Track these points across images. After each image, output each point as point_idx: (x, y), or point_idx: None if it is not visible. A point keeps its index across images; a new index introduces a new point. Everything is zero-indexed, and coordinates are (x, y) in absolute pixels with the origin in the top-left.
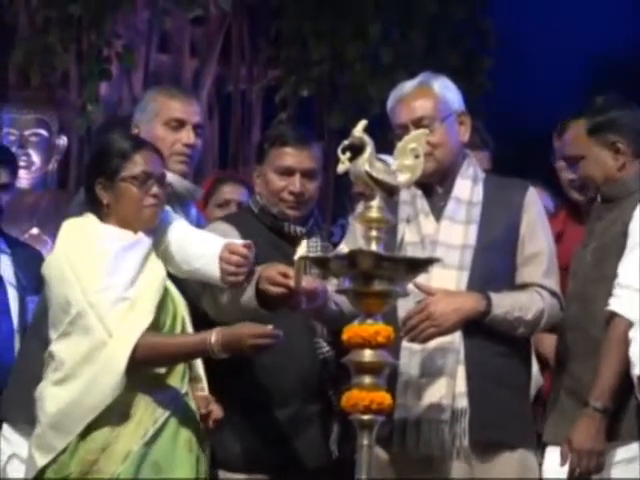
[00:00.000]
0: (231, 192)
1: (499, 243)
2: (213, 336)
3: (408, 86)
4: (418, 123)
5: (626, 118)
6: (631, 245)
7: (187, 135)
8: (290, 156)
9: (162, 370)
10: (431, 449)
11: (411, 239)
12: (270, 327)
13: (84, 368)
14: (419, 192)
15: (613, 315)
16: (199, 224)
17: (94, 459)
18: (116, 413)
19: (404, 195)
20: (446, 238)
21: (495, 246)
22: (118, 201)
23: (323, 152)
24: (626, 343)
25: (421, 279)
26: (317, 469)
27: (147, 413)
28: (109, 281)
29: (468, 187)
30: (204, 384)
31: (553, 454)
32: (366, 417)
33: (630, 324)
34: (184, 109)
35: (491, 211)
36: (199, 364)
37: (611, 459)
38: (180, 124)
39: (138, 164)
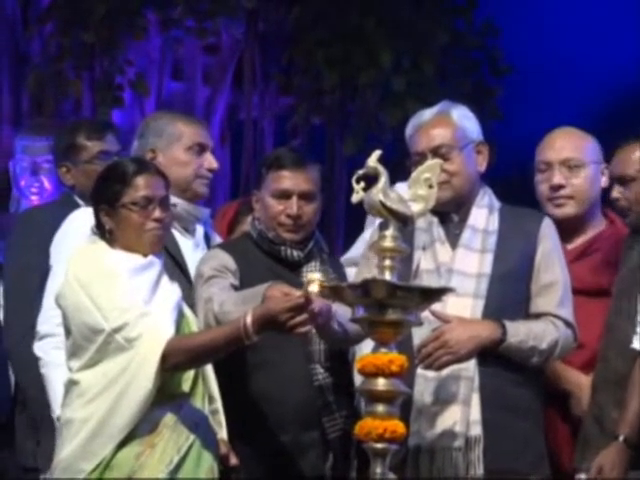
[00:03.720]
0: None
1: (514, 272)
2: (248, 318)
3: (427, 114)
4: (436, 151)
5: None
6: None
7: (210, 160)
8: (286, 179)
9: (186, 389)
10: (444, 477)
11: (427, 267)
12: (298, 294)
13: (111, 390)
14: (435, 220)
15: (638, 353)
16: (209, 244)
17: None
18: (140, 442)
19: (420, 222)
20: (462, 266)
21: (510, 275)
22: (120, 227)
23: (334, 179)
24: None
25: (436, 307)
26: None
27: (171, 441)
28: (127, 301)
29: (484, 216)
30: (219, 405)
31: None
32: (379, 445)
33: None
34: (204, 134)
35: (507, 240)
36: (214, 385)
37: None
38: (202, 149)
39: (139, 189)
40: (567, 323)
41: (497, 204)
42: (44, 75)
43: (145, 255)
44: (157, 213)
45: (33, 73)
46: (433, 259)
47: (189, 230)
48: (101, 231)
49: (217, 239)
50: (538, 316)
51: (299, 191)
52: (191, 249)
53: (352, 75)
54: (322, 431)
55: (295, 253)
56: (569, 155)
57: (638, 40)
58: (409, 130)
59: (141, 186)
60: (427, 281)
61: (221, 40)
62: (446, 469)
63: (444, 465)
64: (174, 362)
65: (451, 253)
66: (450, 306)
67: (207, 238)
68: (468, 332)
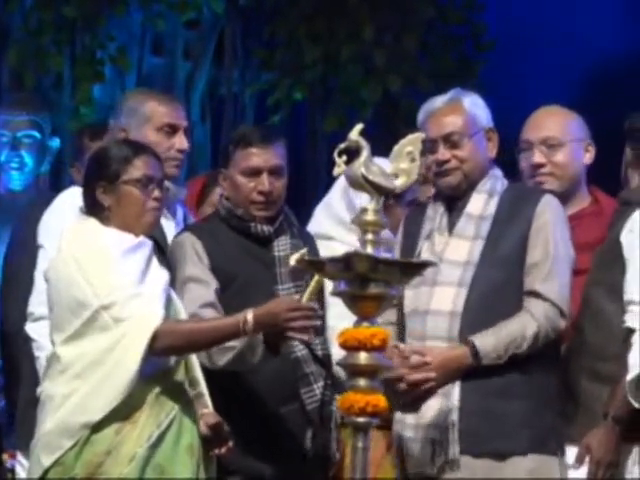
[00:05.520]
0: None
1: (506, 257)
2: (249, 314)
3: (439, 101)
4: (447, 138)
5: None
6: (632, 259)
7: (180, 141)
8: (255, 156)
9: (171, 363)
10: (423, 466)
11: (425, 256)
12: (301, 300)
13: (96, 368)
14: (442, 209)
15: (630, 331)
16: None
17: (99, 462)
18: (121, 417)
19: (430, 211)
20: (451, 255)
21: (500, 261)
22: (120, 204)
23: (316, 154)
24: None
25: (423, 295)
26: (293, 469)
27: (152, 416)
28: (120, 280)
29: (482, 202)
30: (207, 399)
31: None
32: (361, 419)
33: None
34: (175, 114)
35: (501, 225)
36: (197, 368)
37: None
38: (173, 129)
39: (140, 168)
40: (549, 300)
41: (500, 188)
42: (24, 50)
43: (139, 234)
44: (157, 193)
45: (13, 48)
46: (431, 248)
47: (170, 211)
48: (94, 210)
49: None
50: (528, 294)
51: (269, 167)
52: (173, 231)
53: (334, 49)
54: (301, 403)
55: (265, 228)
56: (548, 134)
57: (621, 12)
58: (421, 117)
59: (142, 166)
60: None
61: (202, 15)
62: (424, 458)
63: (422, 454)
64: (165, 345)
65: (446, 242)
66: (436, 296)
67: (185, 219)
68: (440, 371)
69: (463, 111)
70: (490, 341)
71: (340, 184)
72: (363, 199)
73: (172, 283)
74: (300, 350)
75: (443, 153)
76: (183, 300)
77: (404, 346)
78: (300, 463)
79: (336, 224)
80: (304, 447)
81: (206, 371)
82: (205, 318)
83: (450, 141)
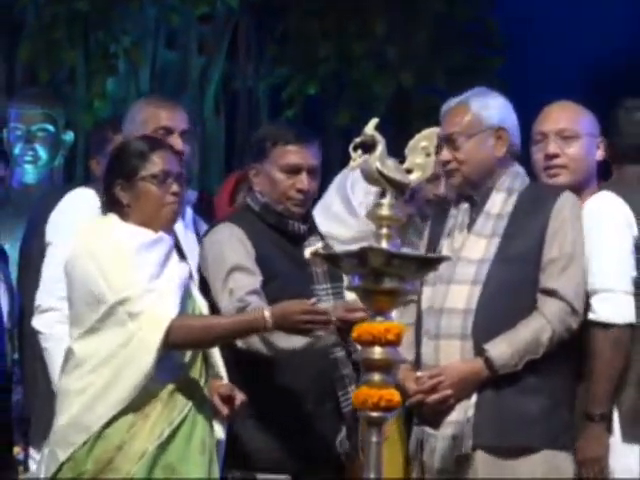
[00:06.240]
0: None
1: (521, 255)
2: (267, 312)
3: (452, 102)
4: (448, 139)
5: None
6: (589, 251)
7: (175, 142)
8: (295, 154)
9: (186, 359)
10: (442, 461)
11: (444, 253)
12: (313, 301)
13: (110, 364)
14: (465, 206)
15: (593, 324)
16: (196, 227)
17: (110, 457)
18: (133, 412)
19: (454, 210)
20: (468, 253)
21: (516, 258)
22: (138, 200)
23: (329, 149)
24: (611, 348)
25: (439, 293)
26: (329, 468)
27: (164, 413)
28: (134, 276)
29: (501, 200)
30: (223, 375)
31: None
32: (375, 414)
33: (609, 327)
34: (170, 117)
35: (518, 223)
36: (219, 362)
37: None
38: (167, 132)
39: (157, 163)
40: (564, 299)
41: (519, 186)
42: (38, 44)
43: (158, 230)
44: (175, 187)
45: (27, 42)
46: (450, 246)
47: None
48: (114, 208)
49: (203, 225)
50: (543, 291)
51: (308, 166)
52: (183, 231)
53: (346, 45)
54: (337, 404)
55: (301, 227)
56: (564, 126)
57: (634, 11)
58: (441, 115)
59: (159, 161)
60: (440, 267)
61: (216, 9)
62: (444, 454)
63: (442, 450)
64: (178, 340)
65: (464, 239)
66: (451, 293)
67: (195, 222)
68: (457, 387)
69: (467, 112)
70: (505, 350)
71: (335, 182)
72: (358, 195)
73: (205, 272)
74: (338, 351)
75: (445, 154)
76: (226, 288)
77: (421, 373)
78: (333, 462)
79: (332, 221)
80: (337, 447)
81: (246, 366)
82: (221, 315)
83: (450, 142)
